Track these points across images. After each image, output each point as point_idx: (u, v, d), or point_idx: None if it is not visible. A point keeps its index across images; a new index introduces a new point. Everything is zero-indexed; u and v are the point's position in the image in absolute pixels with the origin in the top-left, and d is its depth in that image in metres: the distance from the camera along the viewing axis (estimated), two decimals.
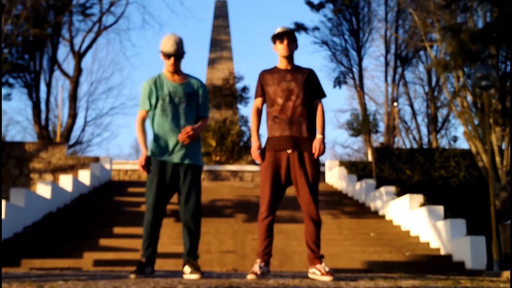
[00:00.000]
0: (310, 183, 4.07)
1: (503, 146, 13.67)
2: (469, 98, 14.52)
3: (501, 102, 13.66)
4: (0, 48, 15.82)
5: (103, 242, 9.18)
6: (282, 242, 9.02)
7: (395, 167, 16.43)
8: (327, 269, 3.91)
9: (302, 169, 4.08)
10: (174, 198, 4.38)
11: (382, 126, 24.01)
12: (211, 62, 22.76)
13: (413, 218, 10.62)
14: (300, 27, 23.95)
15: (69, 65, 29.20)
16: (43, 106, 21.82)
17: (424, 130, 29.01)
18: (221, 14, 24.33)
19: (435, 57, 16.87)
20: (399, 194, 12.30)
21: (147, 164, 4.30)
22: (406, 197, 11.10)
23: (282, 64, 4.31)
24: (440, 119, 24.35)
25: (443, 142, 24.48)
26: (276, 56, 4.34)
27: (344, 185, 14.92)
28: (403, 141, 26.38)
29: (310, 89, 4.24)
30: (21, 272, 5.42)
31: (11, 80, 20.85)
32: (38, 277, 3.88)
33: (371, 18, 24.98)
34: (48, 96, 22.36)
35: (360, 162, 17.17)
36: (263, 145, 4.25)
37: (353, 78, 24.55)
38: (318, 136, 4.15)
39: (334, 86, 24.96)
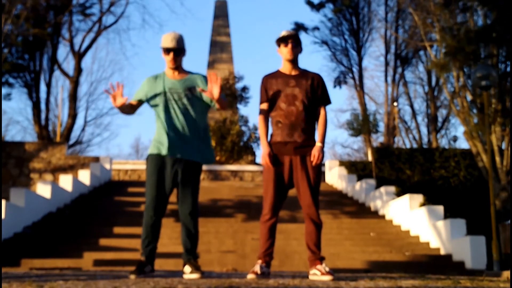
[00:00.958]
0: (311, 186, 4.09)
1: (503, 146, 13.68)
2: (469, 98, 14.52)
3: (501, 102, 13.66)
4: (0, 48, 15.82)
5: (103, 242, 9.18)
6: (282, 242, 9.01)
7: (395, 167, 16.43)
8: (327, 269, 3.92)
9: (304, 172, 4.10)
10: (174, 198, 4.37)
11: (382, 126, 24.02)
12: (211, 62, 22.75)
13: (413, 218, 10.62)
14: (300, 27, 23.95)
15: (69, 65, 29.29)
16: (43, 106, 21.85)
17: (424, 130, 29.07)
18: (221, 14, 24.31)
19: (435, 56, 16.86)
20: (399, 194, 12.30)
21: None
22: (406, 197, 11.11)
23: (286, 68, 4.29)
24: (440, 119, 24.37)
25: (443, 142, 24.50)
26: (277, 57, 4.34)
27: (344, 185, 14.92)
28: (403, 141, 26.42)
29: (314, 95, 4.22)
30: (21, 272, 5.42)
31: (11, 80, 20.84)
32: (38, 277, 3.88)
33: (371, 18, 24.99)
34: (48, 96, 22.37)
35: (360, 162, 17.18)
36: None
37: (353, 78, 24.56)
38: (318, 144, 4.15)
39: (334, 86, 24.98)
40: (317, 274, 3.92)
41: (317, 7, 23.83)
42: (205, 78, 4.39)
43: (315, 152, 4.11)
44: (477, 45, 13.15)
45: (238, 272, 6.67)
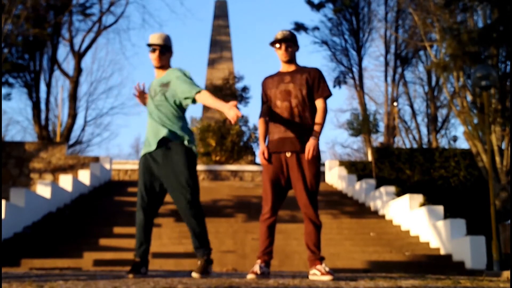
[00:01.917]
0: (308, 186, 4.05)
1: (503, 146, 13.67)
2: (469, 98, 14.52)
3: (501, 102, 13.66)
4: (0, 48, 15.81)
5: (103, 242, 9.18)
6: (282, 242, 9.02)
7: (395, 167, 16.43)
8: (327, 269, 3.92)
9: (300, 172, 4.06)
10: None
11: (382, 126, 24.01)
12: (211, 62, 22.76)
13: (413, 218, 10.62)
14: (300, 27, 23.94)
15: (69, 65, 29.32)
16: (43, 106, 21.85)
17: (424, 130, 29.00)
18: (221, 14, 24.31)
19: (435, 57, 16.86)
20: (399, 194, 12.30)
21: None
22: (406, 197, 11.11)
23: (283, 67, 4.31)
24: (440, 119, 24.37)
25: (443, 142, 24.51)
26: (277, 57, 4.33)
27: (344, 185, 14.91)
28: (403, 141, 26.43)
29: (310, 89, 4.20)
30: (21, 272, 5.41)
31: (11, 80, 20.85)
32: (38, 277, 3.88)
33: (371, 18, 24.98)
34: (48, 96, 22.37)
35: (360, 162, 17.18)
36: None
37: (353, 78, 24.55)
38: (311, 138, 4.06)
39: (334, 86, 24.98)
40: (317, 274, 3.91)
41: (317, 7, 23.83)
42: (178, 70, 4.25)
43: (308, 146, 4.03)
44: (479, 47, 13.15)
45: (238, 272, 6.67)
